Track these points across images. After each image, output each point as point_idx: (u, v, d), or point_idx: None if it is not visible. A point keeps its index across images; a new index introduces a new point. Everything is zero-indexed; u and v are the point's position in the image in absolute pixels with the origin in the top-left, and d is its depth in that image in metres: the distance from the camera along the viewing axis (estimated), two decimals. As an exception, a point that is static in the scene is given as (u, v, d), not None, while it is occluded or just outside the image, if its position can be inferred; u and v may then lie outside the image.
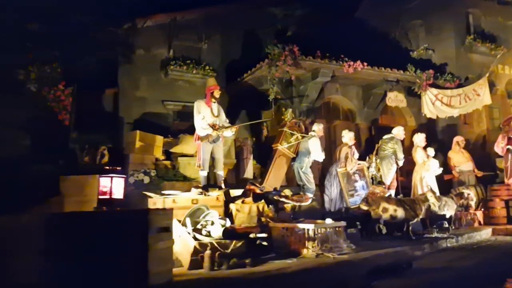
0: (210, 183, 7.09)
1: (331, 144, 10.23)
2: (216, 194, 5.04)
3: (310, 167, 8.08)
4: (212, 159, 7.11)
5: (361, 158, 8.97)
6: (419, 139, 8.90)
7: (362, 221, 5.95)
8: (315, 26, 11.64)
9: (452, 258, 4.72)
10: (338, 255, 4.32)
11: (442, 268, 4.21)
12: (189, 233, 3.82)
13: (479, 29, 11.49)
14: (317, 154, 7.80)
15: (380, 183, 8.63)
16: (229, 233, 3.93)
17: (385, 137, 8.82)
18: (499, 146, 8.60)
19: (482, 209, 7.75)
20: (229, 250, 3.74)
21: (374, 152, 8.74)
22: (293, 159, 8.04)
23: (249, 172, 8.94)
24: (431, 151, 8.90)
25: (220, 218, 4.14)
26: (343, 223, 4.72)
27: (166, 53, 10.37)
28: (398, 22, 12.29)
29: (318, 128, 8.12)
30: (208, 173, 7.19)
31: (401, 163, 8.61)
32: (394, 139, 8.61)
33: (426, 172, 8.68)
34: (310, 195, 7.86)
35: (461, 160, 9.38)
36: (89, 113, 8.52)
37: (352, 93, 10.52)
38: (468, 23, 11.37)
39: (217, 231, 3.88)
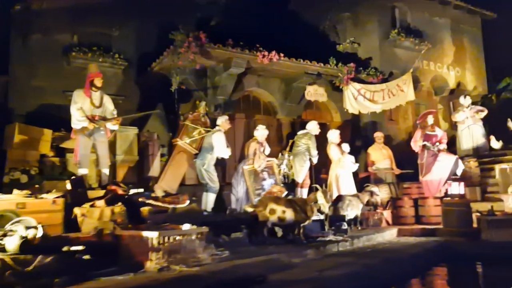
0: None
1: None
2: (53, 197, 4.29)
3: (216, 164, 7.46)
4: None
5: (275, 155, 8.45)
6: (333, 135, 8.49)
7: (248, 224, 5.36)
8: (242, 16, 11.08)
9: (329, 266, 4.21)
10: (191, 267, 3.69)
11: (304, 280, 3.67)
12: (-25, 247, 3.08)
13: (405, 23, 11.28)
14: (221, 149, 7.17)
15: (293, 181, 8.18)
16: (32, 246, 3.20)
17: (299, 132, 8.35)
18: (417, 144, 8.29)
19: (391, 208, 7.40)
20: (31, 268, 3.02)
21: (288, 149, 8.24)
22: (196, 156, 7.37)
23: (155, 170, 8.21)
24: (346, 147, 8.53)
25: (30, 227, 3.40)
26: (204, 229, 4.10)
27: (70, 38, 9.41)
28: (327, 14, 11.90)
29: (221, 121, 7.50)
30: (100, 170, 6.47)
31: (315, 160, 8.15)
32: (308, 134, 8.14)
33: (341, 170, 8.29)
34: (213, 195, 7.25)
35: (379, 157, 9.06)
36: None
37: (273, 86, 9.99)
38: (394, 17, 11.12)
39: (13, 244, 3.15)
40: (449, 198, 6.43)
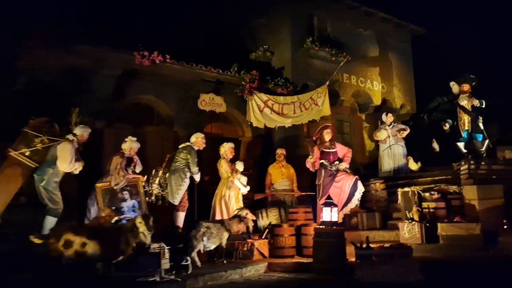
0: None
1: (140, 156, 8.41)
2: None
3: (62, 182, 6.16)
4: None
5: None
6: (225, 149, 7.37)
7: (42, 260, 4.10)
8: (149, 21, 10.09)
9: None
10: None
11: None
12: None
13: (325, 33, 10.44)
14: (63, 163, 5.90)
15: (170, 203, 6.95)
16: None
17: (180, 146, 7.17)
18: (310, 162, 7.31)
19: (268, 237, 6.25)
20: None
21: (164, 165, 7.01)
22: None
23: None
24: (240, 165, 7.40)
25: None
26: None
27: None
28: (245, 20, 10.97)
29: (80, 132, 6.28)
30: None
31: (197, 178, 6.97)
32: (188, 147, 6.98)
33: (228, 190, 7.15)
34: (53, 219, 5.92)
35: (277, 177, 7.98)
36: None
37: (169, 94, 8.80)
38: (311, 26, 10.26)
39: None
40: (322, 227, 5.35)
